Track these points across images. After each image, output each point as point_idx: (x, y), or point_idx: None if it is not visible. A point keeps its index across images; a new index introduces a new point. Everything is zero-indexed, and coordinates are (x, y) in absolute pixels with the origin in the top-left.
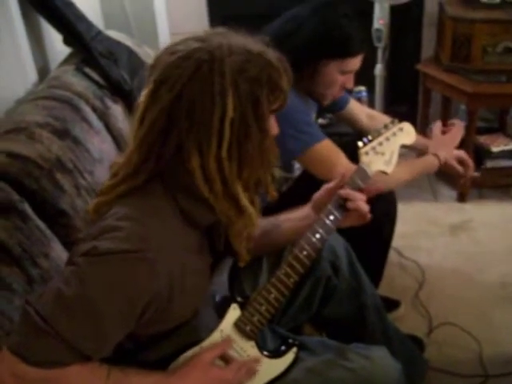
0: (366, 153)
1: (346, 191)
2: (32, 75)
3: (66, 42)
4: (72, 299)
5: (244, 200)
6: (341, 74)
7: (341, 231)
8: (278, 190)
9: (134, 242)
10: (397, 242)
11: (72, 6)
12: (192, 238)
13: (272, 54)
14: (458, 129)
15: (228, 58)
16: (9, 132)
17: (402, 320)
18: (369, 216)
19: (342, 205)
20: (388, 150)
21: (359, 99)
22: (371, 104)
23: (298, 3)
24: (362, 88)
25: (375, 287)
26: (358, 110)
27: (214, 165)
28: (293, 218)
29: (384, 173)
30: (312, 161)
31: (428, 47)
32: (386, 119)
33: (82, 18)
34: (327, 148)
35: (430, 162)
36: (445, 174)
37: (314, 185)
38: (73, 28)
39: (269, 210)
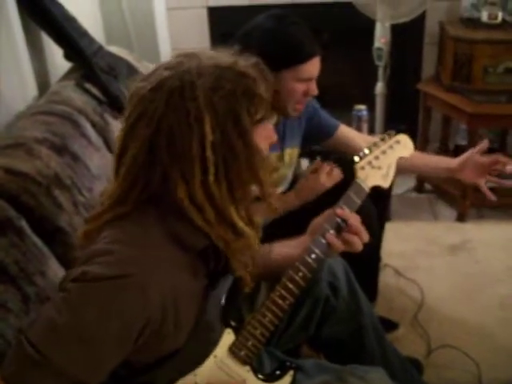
0: (362, 168)
1: (342, 212)
2: (32, 89)
3: (67, 56)
4: (64, 327)
5: (240, 222)
6: (298, 81)
7: None
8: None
9: (124, 266)
10: (395, 261)
11: (73, 21)
12: (184, 261)
13: (244, 63)
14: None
15: (198, 80)
16: (7, 147)
17: (400, 341)
18: (360, 248)
19: (339, 224)
20: (385, 163)
21: (359, 118)
22: (371, 122)
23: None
24: (363, 107)
25: (371, 301)
26: (351, 134)
27: (202, 193)
28: (288, 244)
29: (380, 187)
30: None
31: (429, 66)
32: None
33: (83, 33)
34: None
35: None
36: (445, 194)
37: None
38: (74, 43)
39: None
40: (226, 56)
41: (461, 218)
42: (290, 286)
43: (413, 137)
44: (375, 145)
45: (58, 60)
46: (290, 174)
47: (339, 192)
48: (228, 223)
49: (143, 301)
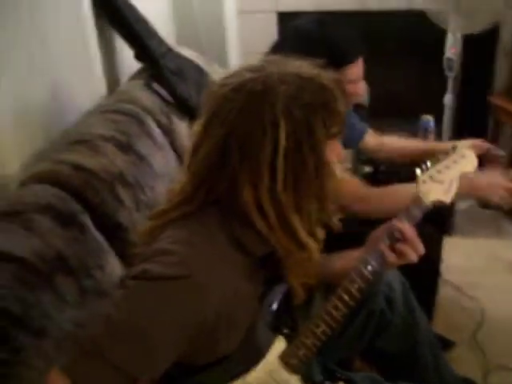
0: (424, 181)
1: (399, 224)
2: (102, 88)
3: (137, 57)
4: (121, 324)
5: (303, 234)
6: (346, 83)
7: None
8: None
9: (184, 267)
10: (456, 277)
11: (144, 23)
12: (244, 265)
13: (326, 77)
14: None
15: (279, 86)
16: (74, 143)
17: (456, 361)
18: (414, 259)
19: (395, 236)
20: (447, 178)
21: (426, 129)
22: (438, 134)
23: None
24: (430, 117)
25: (428, 319)
26: (375, 138)
27: (268, 198)
28: (347, 256)
29: (441, 202)
30: None
31: (502, 78)
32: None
33: (153, 34)
34: None
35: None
36: (510, 210)
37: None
38: (144, 43)
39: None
40: (308, 67)
41: None
42: (345, 297)
43: None
44: (439, 158)
45: (129, 60)
46: None
47: None
48: (291, 232)
49: (201, 302)
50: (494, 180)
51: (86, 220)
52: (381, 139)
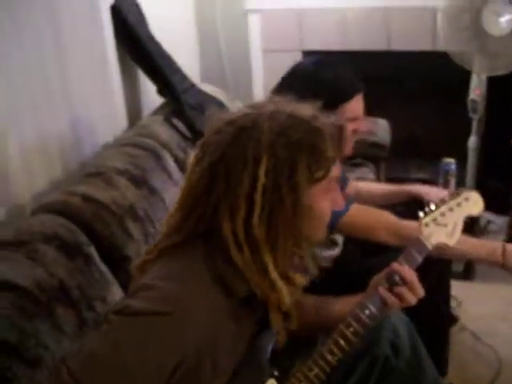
0: (427, 224)
1: (398, 267)
2: (122, 122)
3: (160, 92)
4: (102, 358)
5: (274, 273)
6: (346, 121)
7: None
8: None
9: (165, 303)
10: (474, 324)
11: (168, 59)
12: (227, 305)
13: (321, 121)
14: None
15: (268, 123)
16: (88, 175)
17: None
18: (413, 302)
19: (395, 279)
20: (451, 221)
21: (447, 172)
22: (461, 177)
23: None
24: (451, 160)
25: (443, 368)
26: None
27: (243, 231)
28: (346, 301)
29: (446, 245)
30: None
31: None
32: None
33: (176, 70)
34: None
35: (493, 249)
36: None
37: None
38: (166, 79)
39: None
40: (307, 108)
41: None
42: (341, 341)
43: (507, 195)
44: (443, 201)
45: (151, 95)
46: None
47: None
48: (263, 270)
49: (179, 339)
50: None
51: (92, 251)
52: (355, 185)
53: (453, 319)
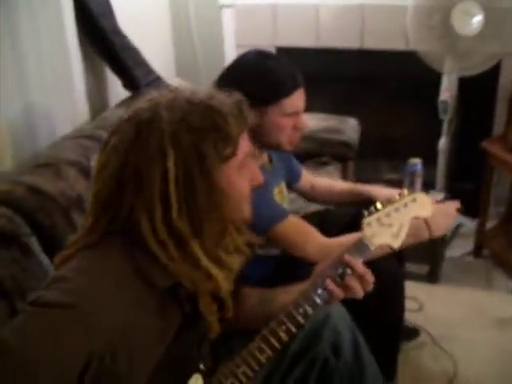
0: (369, 224)
1: (350, 257)
2: (84, 114)
3: (125, 86)
4: (8, 348)
5: (204, 260)
6: (285, 116)
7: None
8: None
9: (74, 295)
10: (435, 328)
11: (132, 51)
12: (148, 298)
13: (220, 100)
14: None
15: (166, 112)
16: (39, 166)
17: None
18: (360, 294)
19: (345, 271)
20: (396, 222)
21: (413, 172)
22: (430, 179)
23: None
24: (418, 160)
25: (389, 380)
26: (307, 179)
27: (164, 228)
28: (291, 290)
29: (390, 247)
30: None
31: (501, 123)
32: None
33: (141, 63)
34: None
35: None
36: (503, 262)
37: None
38: (130, 72)
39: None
40: (203, 91)
41: None
42: (271, 338)
43: (478, 198)
44: (389, 201)
45: (119, 88)
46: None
47: None
48: (192, 260)
49: (85, 334)
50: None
51: (32, 242)
52: (311, 179)
53: (413, 333)
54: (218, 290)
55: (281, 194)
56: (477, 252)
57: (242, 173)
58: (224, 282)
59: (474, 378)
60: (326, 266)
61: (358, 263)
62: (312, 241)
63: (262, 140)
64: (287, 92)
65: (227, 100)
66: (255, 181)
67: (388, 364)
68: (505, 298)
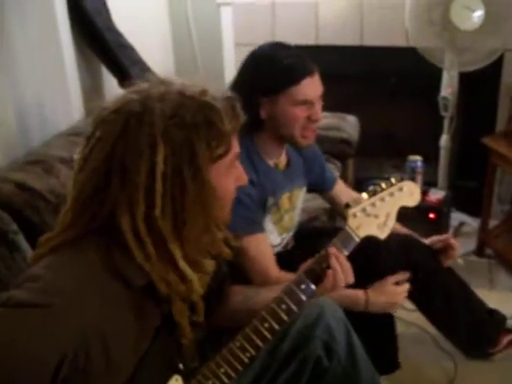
0: (354, 215)
1: (335, 250)
2: (78, 112)
3: (121, 84)
4: None
5: (181, 262)
6: (296, 105)
7: None
8: None
9: (46, 295)
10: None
11: (128, 49)
12: (124, 297)
13: (212, 96)
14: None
15: (158, 105)
16: (30, 163)
17: None
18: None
19: (319, 271)
20: (382, 212)
21: (413, 169)
22: (431, 177)
23: None
24: (418, 158)
25: (392, 371)
26: (343, 192)
27: (144, 226)
28: (275, 287)
29: (377, 238)
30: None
31: (503, 120)
32: None
33: (136, 61)
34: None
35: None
36: (506, 261)
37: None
38: (124, 70)
39: None
40: (196, 85)
41: None
42: (254, 337)
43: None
44: (374, 191)
45: (115, 86)
46: (297, 218)
47: None
48: (169, 262)
49: (57, 334)
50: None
51: (20, 239)
52: (352, 196)
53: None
54: (191, 293)
55: (290, 201)
56: (480, 251)
57: (230, 172)
58: (198, 286)
59: (475, 379)
60: (311, 262)
61: (341, 256)
62: (264, 269)
63: (277, 134)
64: (296, 79)
65: (219, 95)
66: (241, 181)
67: (388, 354)
68: (508, 297)
